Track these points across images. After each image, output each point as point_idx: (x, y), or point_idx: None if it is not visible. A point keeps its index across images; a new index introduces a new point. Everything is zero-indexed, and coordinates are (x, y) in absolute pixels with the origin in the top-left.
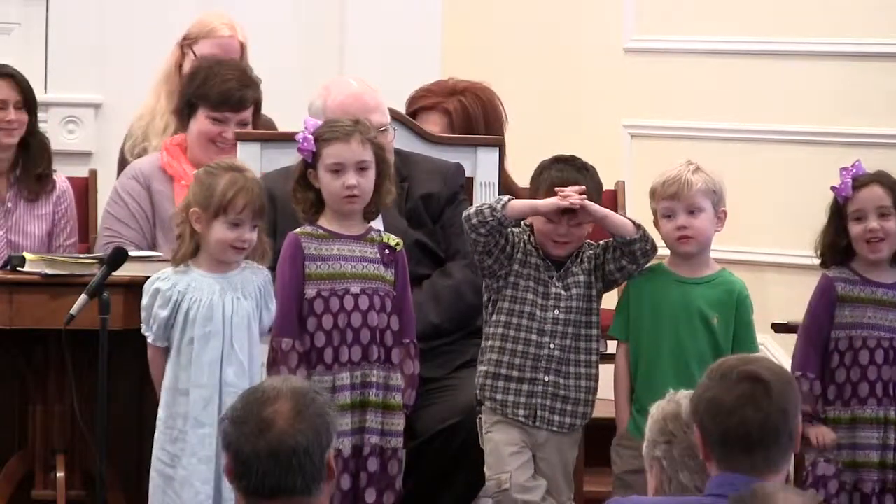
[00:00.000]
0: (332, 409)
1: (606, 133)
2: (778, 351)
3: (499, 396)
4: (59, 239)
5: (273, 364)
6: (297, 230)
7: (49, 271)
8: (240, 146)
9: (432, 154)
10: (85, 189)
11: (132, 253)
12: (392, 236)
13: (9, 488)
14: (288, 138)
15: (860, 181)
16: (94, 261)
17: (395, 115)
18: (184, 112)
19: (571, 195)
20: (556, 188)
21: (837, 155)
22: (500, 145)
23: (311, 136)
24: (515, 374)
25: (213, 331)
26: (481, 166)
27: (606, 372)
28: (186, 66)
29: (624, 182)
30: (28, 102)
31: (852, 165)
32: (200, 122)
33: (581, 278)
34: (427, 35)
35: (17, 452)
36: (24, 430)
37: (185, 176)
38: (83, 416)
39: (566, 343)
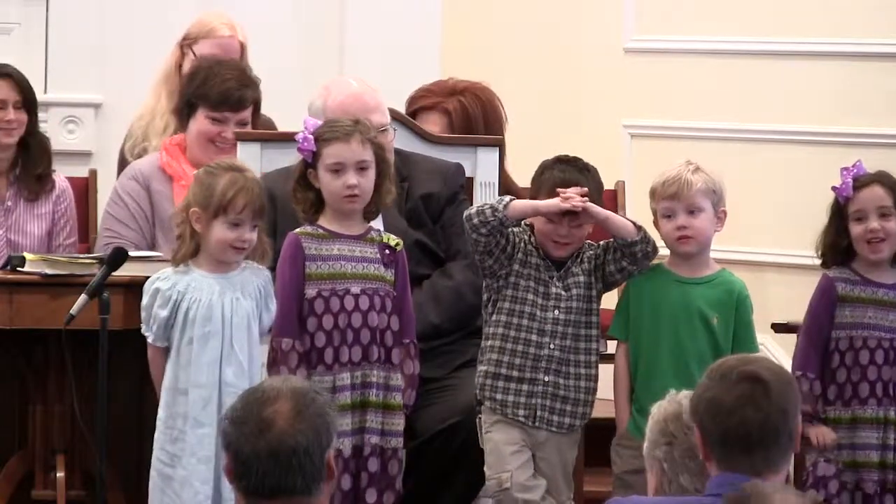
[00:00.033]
0: (332, 409)
1: (606, 133)
2: (778, 351)
3: (499, 396)
4: (59, 238)
5: (273, 364)
6: (298, 230)
7: (49, 271)
8: (240, 146)
9: (432, 154)
10: (85, 189)
11: (132, 253)
12: (392, 236)
13: (9, 488)
14: (288, 138)
15: (861, 181)
16: (94, 261)
17: (395, 115)
18: (183, 112)
19: (573, 197)
20: (558, 189)
21: (837, 155)
22: (500, 145)
23: (311, 136)
24: (515, 374)
25: (213, 331)
26: (481, 166)
27: (606, 372)
28: (186, 66)
29: (624, 182)
30: (28, 102)
31: (853, 165)
32: (200, 122)
33: (581, 278)
34: (427, 35)
35: (17, 452)
36: (24, 430)
37: (184, 176)
38: (83, 416)
39: (566, 343)
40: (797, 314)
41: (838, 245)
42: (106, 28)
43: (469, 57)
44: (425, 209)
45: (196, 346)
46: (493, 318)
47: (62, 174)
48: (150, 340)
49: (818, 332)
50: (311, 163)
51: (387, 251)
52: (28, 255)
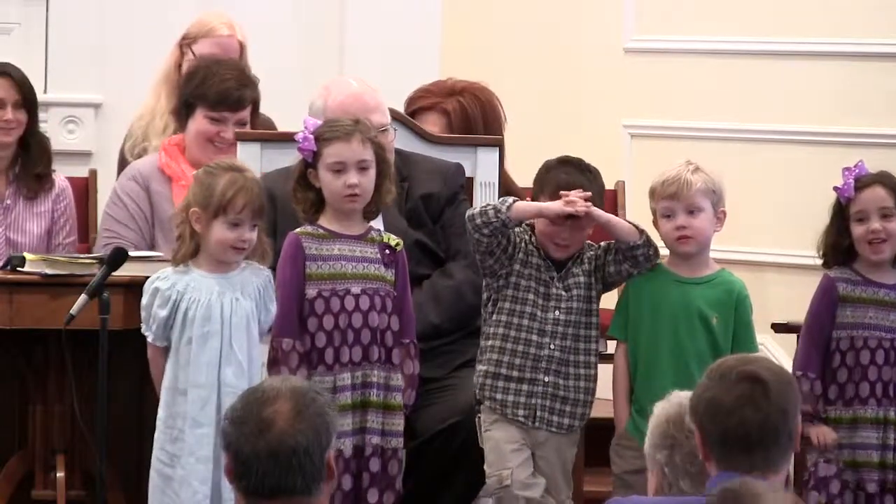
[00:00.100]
0: (332, 408)
1: (606, 133)
2: (778, 351)
3: (498, 396)
4: (59, 237)
5: (273, 364)
6: (298, 230)
7: (49, 271)
8: (240, 146)
9: (432, 154)
10: (85, 189)
11: (132, 253)
12: (392, 236)
13: (9, 488)
14: (288, 138)
15: (863, 182)
16: (94, 261)
17: (395, 116)
18: (182, 112)
19: (577, 201)
20: (561, 192)
21: (837, 155)
22: (500, 145)
23: (311, 136)
24: (515, 374)
25: (212, 331)
26: (481, 166)
27: (606, 372)
28: (185, 66)
29: (624, 182)
30: (27, 102)
31: (855, 166)
32: (198, 122)
33: (581, 279)
34: (426, 35)
35: (17, 452)
36: (24, 430)
37: (183, 176)
38: (83, 416)
39: (566, 344)
40: (797, 314)
41: (840, 245)
42: (106, 28)
43: (469, 57)
44: (425, 209)
45: (195, 346)
46: (494, 317)
47: (62, 174)
48: (149, 340)
49: (819, 332)
50: (311, 162)
51: (387, 251)
52: (28, 255)
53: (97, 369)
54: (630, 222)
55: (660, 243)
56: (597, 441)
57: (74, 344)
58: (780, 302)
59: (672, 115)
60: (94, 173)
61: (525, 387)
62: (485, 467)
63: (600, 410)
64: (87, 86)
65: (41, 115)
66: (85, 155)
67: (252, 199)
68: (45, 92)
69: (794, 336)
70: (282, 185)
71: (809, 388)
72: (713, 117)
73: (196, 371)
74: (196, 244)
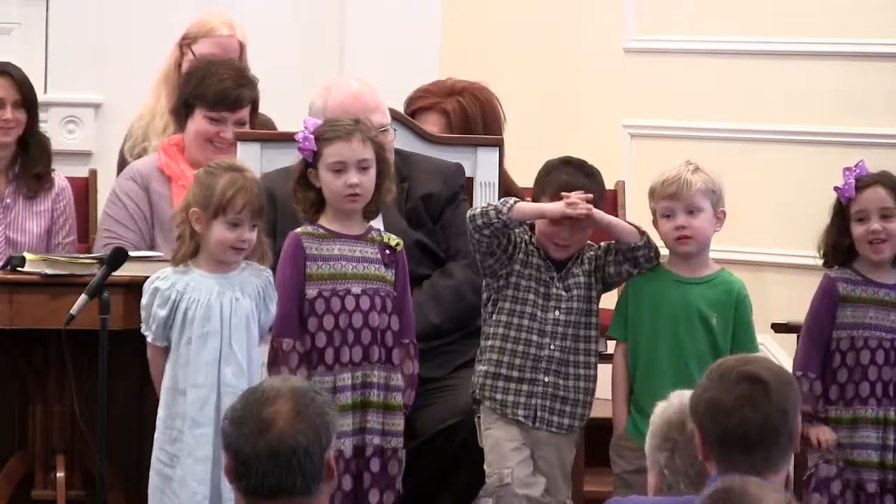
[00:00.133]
0: (332, 408)
1: (606, 133)
2: (778, 351)
3: (498, 396)
4: (58, 237)
5: (274, 364)
6: (298, 230)
7: (49, 271)
8: (240, 146)
9: (432, 154)
10: (85, 189)
11: (132, 253)
12: (392, 236)
13: (9, 488)
14: (288, 138)
15: (863, 182)
16: (93, 261)
17: (395, 115)
18: (181, 112)
19: (578, 203)
20: (563, 193)
21: (837, 155)
22: (500, 145)
23: (311, 136)
24: (515, 374)
25: (212, 331)
26: (481, 166)
27: (606, 372)
28: (185, 66)
29: (624, 182)
30: (27, 102)
31: (856, 166)
32: (197, 121)
33: (581, 279)
34: (426, 35)
35: (17, 452)
36: (24, 430)
37: (182, 176)
38: (83, 416)
39: (566, 344)
40: (797, 314)
41: (840, 245)
42: (106, 28)
43: (469, 57)
44: (425, 209)
45: (195, 346)
46: (494, 317)
47: (62, 174)
48: (149, 340)
49: (819, 332)
50: (311, 162)
51: (387, 251)
52: (28, 255)
53: (97, 369)
54: (631, 223)
55: (660, 243)
56: (597, 441)
57: (74, 344)
58: (780, 302)
59: (672, 115)
60: (93, 173)
61: (525, 387)
62: (485, 467)
63: (600, 410)
64: (87, 86)
65: (41, 115)
66: (85, 155)
67: (252, 199)
68: (45, 92)
69: (794, 336)
70: (282, 185)
71: (809, 389)
72: (713, 117)
73: (196, 371)
74: (196, 244)
